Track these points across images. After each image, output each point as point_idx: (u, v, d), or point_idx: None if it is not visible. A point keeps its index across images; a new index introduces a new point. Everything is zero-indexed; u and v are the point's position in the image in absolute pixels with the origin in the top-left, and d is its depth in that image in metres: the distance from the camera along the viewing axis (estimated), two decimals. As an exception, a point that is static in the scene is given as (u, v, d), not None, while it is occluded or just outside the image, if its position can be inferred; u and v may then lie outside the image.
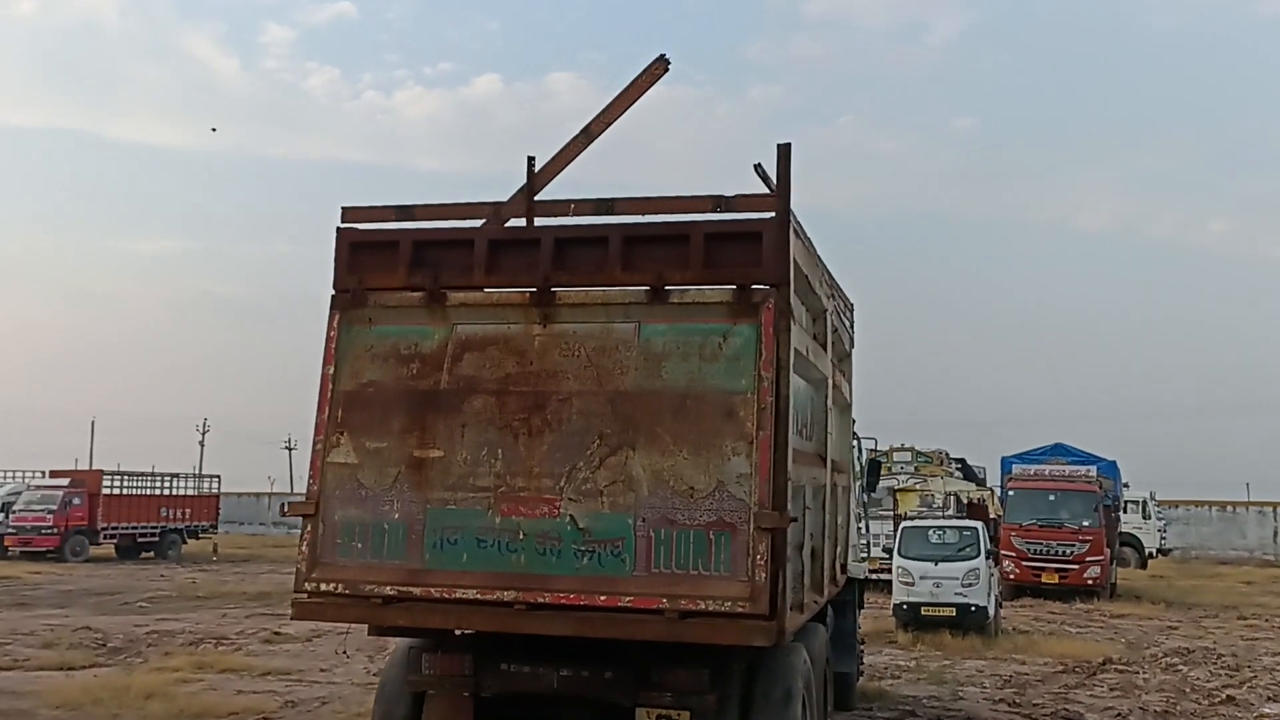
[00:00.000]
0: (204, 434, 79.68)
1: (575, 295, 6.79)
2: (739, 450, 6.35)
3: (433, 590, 6.56)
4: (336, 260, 7.10)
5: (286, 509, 7.32)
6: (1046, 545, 26.10)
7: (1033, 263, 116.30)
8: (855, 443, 12.72)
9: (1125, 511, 40.54)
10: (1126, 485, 42.17)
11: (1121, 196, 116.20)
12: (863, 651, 12.66)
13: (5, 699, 11.45)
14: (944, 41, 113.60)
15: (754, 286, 6.52)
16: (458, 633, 7.31)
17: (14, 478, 43.95)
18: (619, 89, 7.21)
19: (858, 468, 12.78)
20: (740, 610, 6.17)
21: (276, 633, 17.14)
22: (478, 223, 7.16)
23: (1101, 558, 26.05)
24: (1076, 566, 25.93)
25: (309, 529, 6.78)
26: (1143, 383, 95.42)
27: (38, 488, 39.06)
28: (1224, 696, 12.93)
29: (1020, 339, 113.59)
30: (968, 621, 17.51)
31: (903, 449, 27.17)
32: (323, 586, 6.71)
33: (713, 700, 6.76)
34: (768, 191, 6.72)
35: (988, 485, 31.13)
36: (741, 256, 6.58)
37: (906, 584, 18.13)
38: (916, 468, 26.41)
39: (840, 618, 11.45)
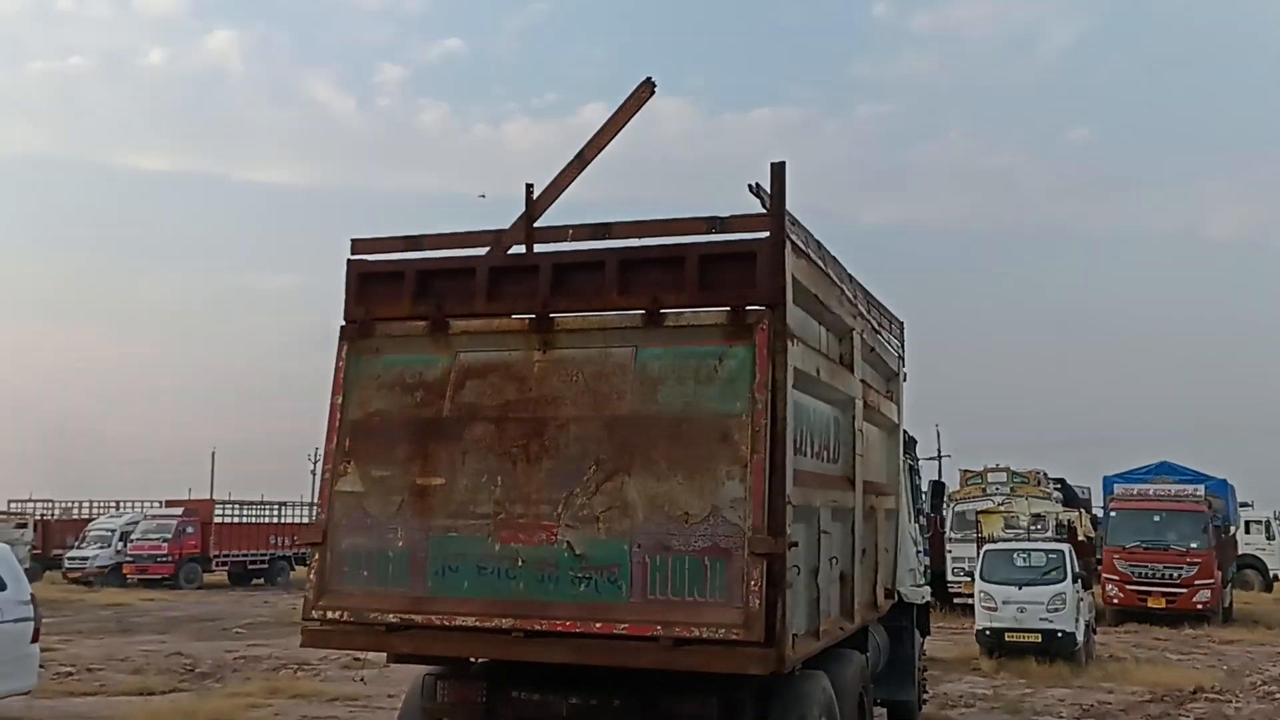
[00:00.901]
0: (315, 463, 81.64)
1: (574, 321, 6.78)
2: (733, 474, 6.24)
3: (434, 618, 6.58)
4: (346, 291, 7.22)
5: (296, 540, 7.43)
6: (1152, 568, 25.15)
7: (1152, 275, 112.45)
8: (911, 464, 12.45)
9: (1248, 532, 38.90)
10: (1249, 505, 40.50)
11: (1250, 203, 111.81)
12: (926, 679, 12.32)
13: (81, 723, 11.85)
14: (1055, 51, 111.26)
15: (749, 307, 6.42)
16: (473, 661, 7.34)
17: (131, 508, 45.72)
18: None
19: (913, 490, 12.48)
20: (735, 637, 6.05)
21: (356, 659, 17.40)
22: (482, 250, 7.20)
23: (1212, 581, 24.97)
24: (1185, 590, 24.93)
25: (317, 557, 6.87)
26: (1269, 396, 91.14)
27: (153, 517, 40.52)
28: (1317, 728, 12.23)
29: (1134, 354, 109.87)
30: (1054, 648, 16.92)
31: (998, 469, 26.48)
32: (329, 614, 6.78)
33: (720, 729, 6.63)
34: (763, 211, 6.61)
35: (1092, 507, 30.18)
36: (736, 277, 6.49)
37: (989, 609, 17.61)
38: (1012, 489, 25.65)
39: (896, 644, 11.19)
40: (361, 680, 13.67)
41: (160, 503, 44.60)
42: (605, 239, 6.95)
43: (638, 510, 6.36)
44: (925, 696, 12.27)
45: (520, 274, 6.96)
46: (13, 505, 45.98)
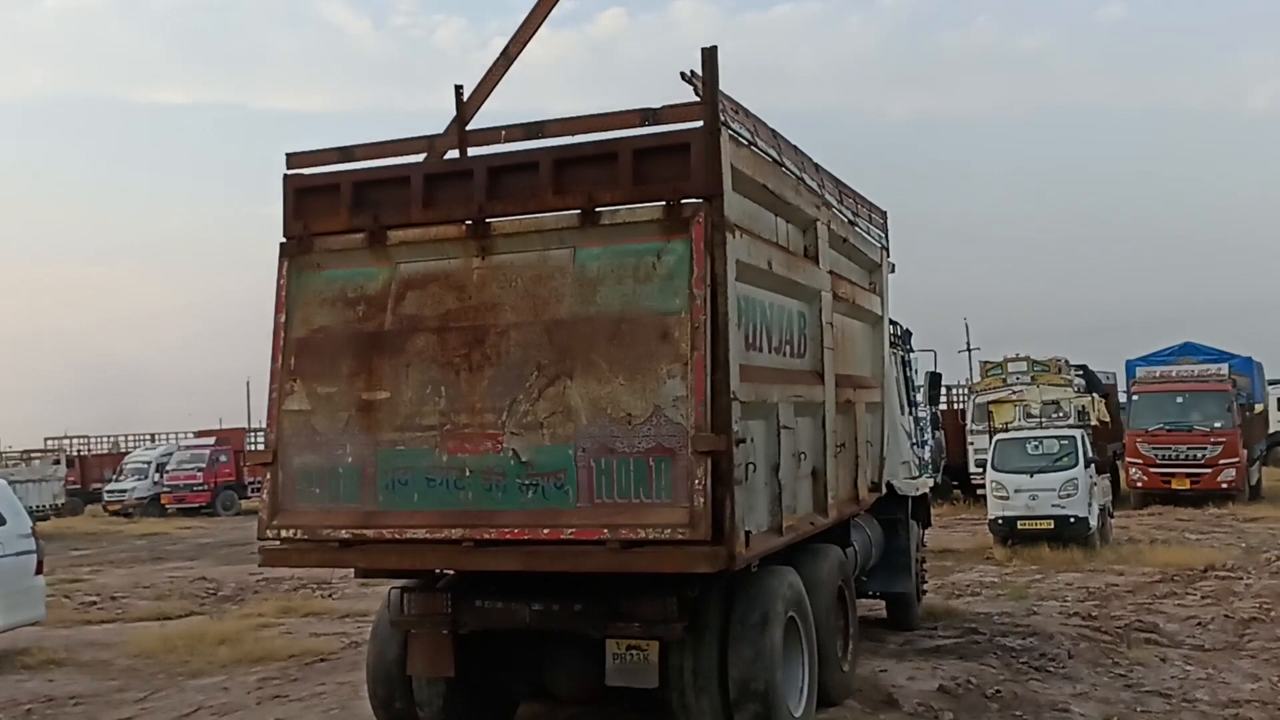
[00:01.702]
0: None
1: (510, 225, 6.62)
2: (674, 372, 6.12)
3: (385, 532, 6.56)
4: (284, 207, 7.08)
5: (244, 459, 7.41)
6: (1176, 450, 24.92)
7: (1187, 153, 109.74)
8: (904, 357, 12.25)
9: (1280, 409, 38.45)
10: (1278, 383, 39.92)
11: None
12: (925, 570, 12.26)
13: (92, 650, 12.06)
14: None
15: (685, 201, 6.22)
16: (440, 573, 7.33)
17: (167, 440, 46.42)
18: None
19: (906, 383, 12.29)
20: (681, 537, 5.99)
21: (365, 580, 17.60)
22: (418, 158, 7.01)
23: (1237, 459, 24.73)
24: (1209, 470, 24.70)
25: (269, 477, 6.84)
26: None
27: (187, 448, 41.09)
28: (1324, 602, 12.12)
29: (1166, 236, 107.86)
30: (1067, 533, 16.82)
31: (1018, 359, 26.12)
32: (284, 533, 6.79)
33: (680, 629, 6.59)
34: (697, 100, 6.37)
35: (1117, 392, 29.85)
36: (671, 170, 6.29)
37: (1001, 498, 17.51)
38: (1033, 378, 25.33)
39: (891, 537, 11.15)
40: (330, 597, 13.86)
41: (193, 434, 45.20)
42: (539, 138, 6.73)
43: (581, 414, 6.27)
44: (925, 588, 12.23)
45: (455, 179, 6.78)
46: (49, 442, 46.79)
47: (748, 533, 6.35)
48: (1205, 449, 24.72)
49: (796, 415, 7.57)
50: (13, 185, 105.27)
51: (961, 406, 28.87)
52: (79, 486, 41.60)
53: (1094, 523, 17.15)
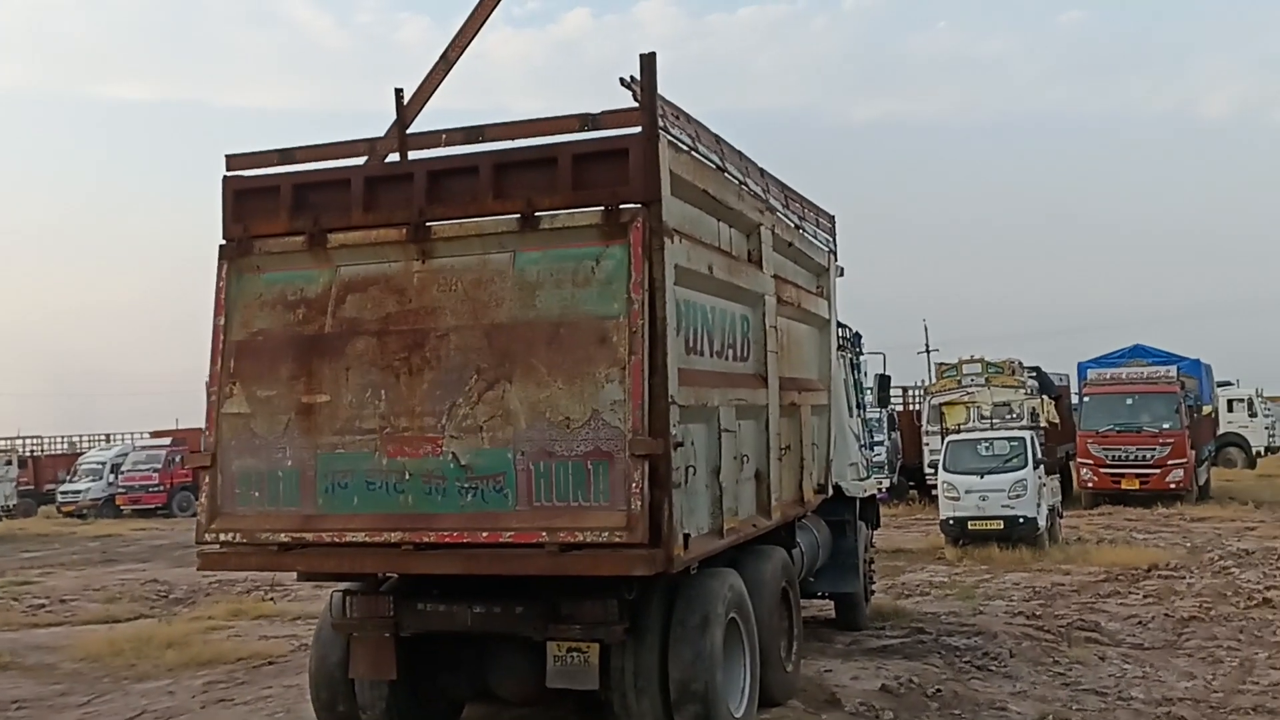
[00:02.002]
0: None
1: (450, 228, 6.63)
2: (612, 376, 6.16)
3: (324, 535, 6.57)
4: (223, 209, 7.06)
5: (183, 462, 7.39)
6: (1125, 450, 25.27)
7: (1144, 159, 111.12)
8: (854, 360, 12.37)
9: (1231, 410, 39.12)
10: (1231, 384, 40.61)
11: (1246, 80, 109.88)
12: (874, 571, 12.38)
13: (37, 654, 11.94)
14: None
15: (623, 206, 6.27)
16: (382, 576, 7.33)
17: (121, 441, 45.91)
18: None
19: (857, 385, 12.42)
20: (619, 540, 6.03)
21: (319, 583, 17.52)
22: (359, 161, 7.02)
23: (1185, 460, 25.11)
24: (1158, 470, 25.07)
25: (208, 481, 6.82)
26: (1257, 277, 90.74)
27: (143, 448, 40.68)
28: (1261, 599, 12.35)
29: (1123, 241, 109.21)
30: (1016, 533, 17.03)
31: (972, 360, 26.37)
32: (223, 537, 6.76)
33: (620, 630, 6.64)
34: (636, 106, 6.41)
35: (1070, 394, 30.21)
36: (609, 175, 6.33)
37: (952, 499, 17.69)
38: (987, 379, 25.59)
39: (839, 537, 11.24)
40: (271, 600, 13.85)
41: (149, 434, 44.74)
42: (480, 142, 6.75)
43: (520, 418, 6.30)
44: (873, 588, 12.34)
45: (395, 182, 6.79)
46: (1, 442, 46.16)
47: (686, 535, 6.40)
48: (1154, 450, 25.08)
49: (739, 418, 7.62)
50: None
51: (917, 408, 29.13)
52: (32, 487, 41.10)
53: (1043, 523, 17.37)
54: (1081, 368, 28.83)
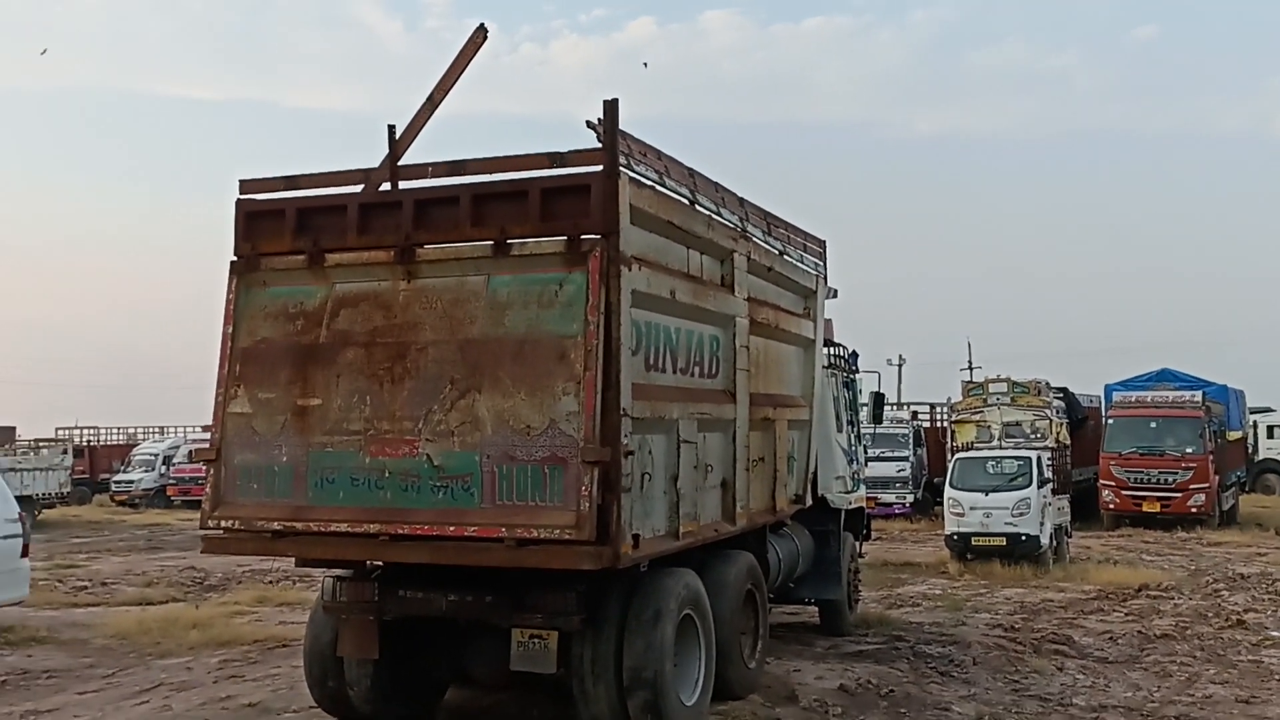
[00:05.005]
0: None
1: (433, 252, 7.35)
2: (569, 390, 6.83)
3: (313, 525, 7.30)
4: (235, 229, 7.83)
5: (193, 455, 8.15)
6: (1147, 474, 25.50)
7: (1214, 177, 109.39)
8: (847, 378, 12.92)
9: (1271, 437, 38.90)
10: (1270, 410, 40.31)
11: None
12: (859, 579, 12.91)
13: (72, 630, 12.86)
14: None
15: (584, 236, 6.94)
16: (370, 565, 8.06)
17: (175, 433, 47.38)
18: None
19: (851, 402, 12.97)
20: (568, 537, 6.69)
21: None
22: (355, 189, 7.75)
23: (1207, 485, 25.29)
24: (1180, 494, 25.29)
25: (212, 473, 7.60)
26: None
27: (194, 441, 41.95)
28: (1236, 620, 12.72)
29: (1185, 260, 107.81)
30: (1019, 550, 17.47)
31: (999, 380, 26.71)
32: (223, 523, 7.54)
33: (577, 621, 7.32)
34: (599, 146, 7.08)
35: (1101, 415, 30.37)
36: (573, 208, 7.01)
37: (957, 515, 18.15)
38: (1013, 398, 25.94)
39: (822, 546, 11.82)
40: (271, 583, 14.76)
41: (201, 428, 46.10)
42: (461, 175, 7.45)
43: (487, 424, 6.99)
44: (858, 596, 12.87)
45: (386, 209, 7.52)
46: (59, 432, 47.89)
47: (637, 535, 7.06)
48: (1176, 473, 25.30)
49: (702, 430, 8.24)
50: (42, 174, 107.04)
51: (944, 424, 29.49)
52: (88, 476, 42.59)
53: (1045, 541, 17.77)
54: (1108, 390, 29.04)
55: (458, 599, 7.59)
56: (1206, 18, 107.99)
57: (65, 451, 34.50)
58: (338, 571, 8.08)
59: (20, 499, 22.77)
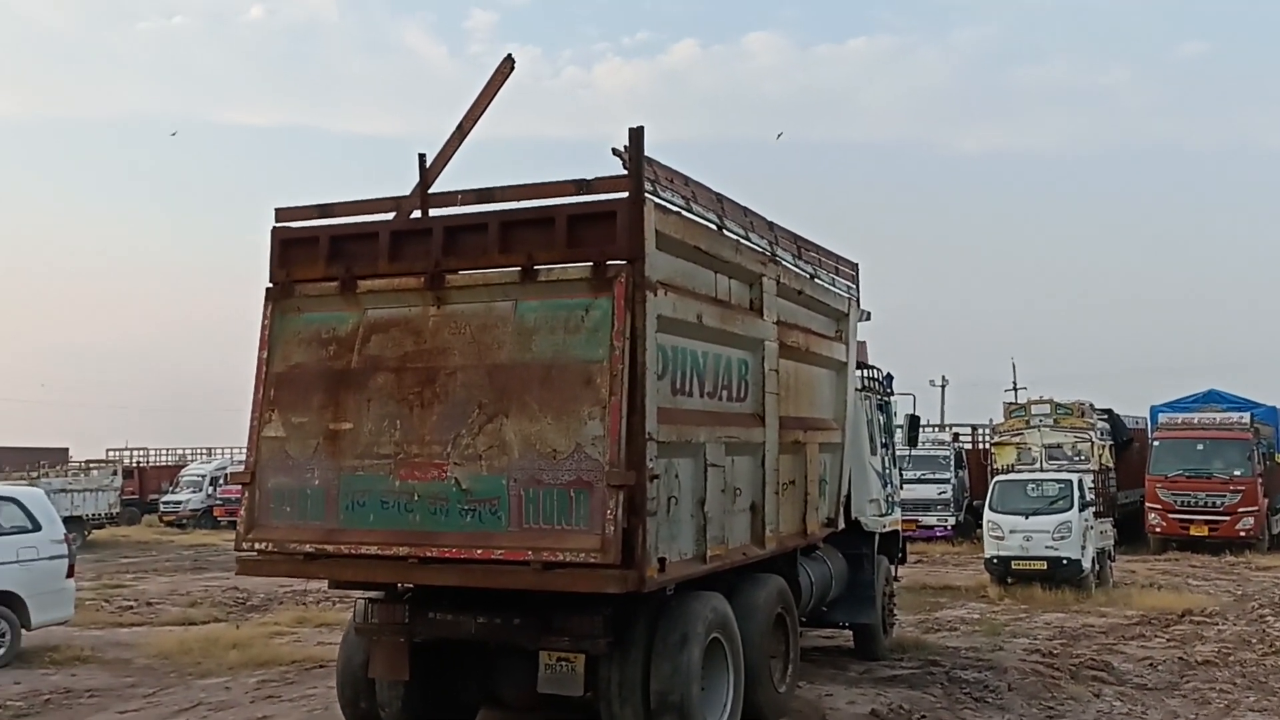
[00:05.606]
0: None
1: (462, 278, 7.46)
2: (594, 414, 6.89)
3: (344, 547, 7.40)
4: (270, 256, 7.99)
5: (228, 478, 8.30)
6: (1194, 496, 25.14)
7: (1266, 194, 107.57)
8: (881, 401, 12.89)
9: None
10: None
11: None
12: (894, 603, 12.84)
13: (116, 649, 13.08)
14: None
15: (610, 262, 7.02)
16: (401, 587, 8.16)
17: (220, 454, 48.00)
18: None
19: (885, 424, 12.93)
20: (593, 560, 6.74)
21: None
22: (387, 217, 7.89)
23: (1255, 508, 24.92)
24: (1228, 518, 24.93)
25: (246, 495, 7.74)
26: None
27: (240, 463, 42.46)
28: (1280, 647, 12.51)
29: (1237, 279, 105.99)
30: (1060, 575, 17.30)
31: (1041, 401, 26.54)
32: (257, 545, 7.66)
33: (604, 644, 7.36)
34: (624, 172, 7.16)
35: (1148, 437, 30.00)
36: (599, 235, 7.09)
37: (997, 538, 18.00)
38: (1056, 420, 25.72)
39: (856, 570, 11.77)
40: (311, 604, 14.96)
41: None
42: (490, 203, 7.57)
43: (514, 448, 7.07)
44: (894, 620, 12.80)
45: (416, 236, 7.65)
46: (110, 453, 48.64)
47: (663, 559, 7.10)
48: (1224, 496, 24.93)
49: (731, 454, 8.27)
50: (97, 200, 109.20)
51: (986, 446, 29.27)
52: (137, 497, 43.26)
53: (1087, 565, 17.57)
54: (1154, 411, 28.69)
55: (486, 621, 7.66)
56: (1256, 33, 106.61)
57: (115, 472, 35.05)
58: (370, 594, 8.19)
59: (71, 519, 23.32)
